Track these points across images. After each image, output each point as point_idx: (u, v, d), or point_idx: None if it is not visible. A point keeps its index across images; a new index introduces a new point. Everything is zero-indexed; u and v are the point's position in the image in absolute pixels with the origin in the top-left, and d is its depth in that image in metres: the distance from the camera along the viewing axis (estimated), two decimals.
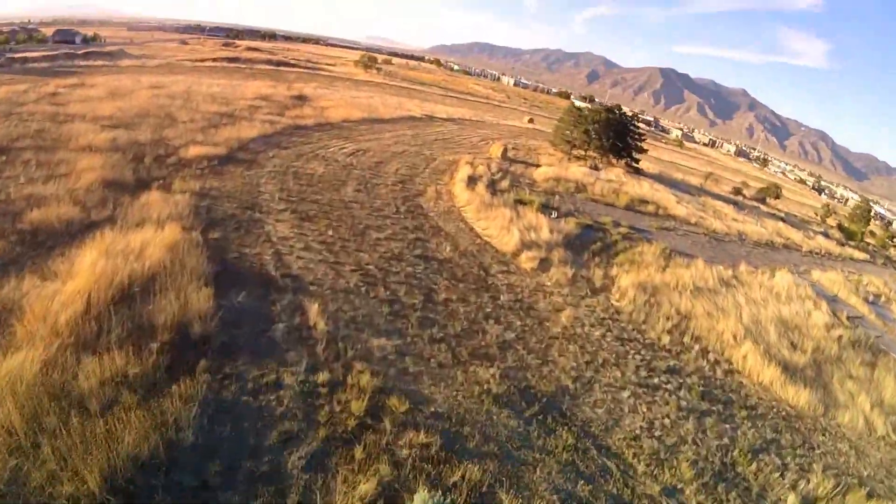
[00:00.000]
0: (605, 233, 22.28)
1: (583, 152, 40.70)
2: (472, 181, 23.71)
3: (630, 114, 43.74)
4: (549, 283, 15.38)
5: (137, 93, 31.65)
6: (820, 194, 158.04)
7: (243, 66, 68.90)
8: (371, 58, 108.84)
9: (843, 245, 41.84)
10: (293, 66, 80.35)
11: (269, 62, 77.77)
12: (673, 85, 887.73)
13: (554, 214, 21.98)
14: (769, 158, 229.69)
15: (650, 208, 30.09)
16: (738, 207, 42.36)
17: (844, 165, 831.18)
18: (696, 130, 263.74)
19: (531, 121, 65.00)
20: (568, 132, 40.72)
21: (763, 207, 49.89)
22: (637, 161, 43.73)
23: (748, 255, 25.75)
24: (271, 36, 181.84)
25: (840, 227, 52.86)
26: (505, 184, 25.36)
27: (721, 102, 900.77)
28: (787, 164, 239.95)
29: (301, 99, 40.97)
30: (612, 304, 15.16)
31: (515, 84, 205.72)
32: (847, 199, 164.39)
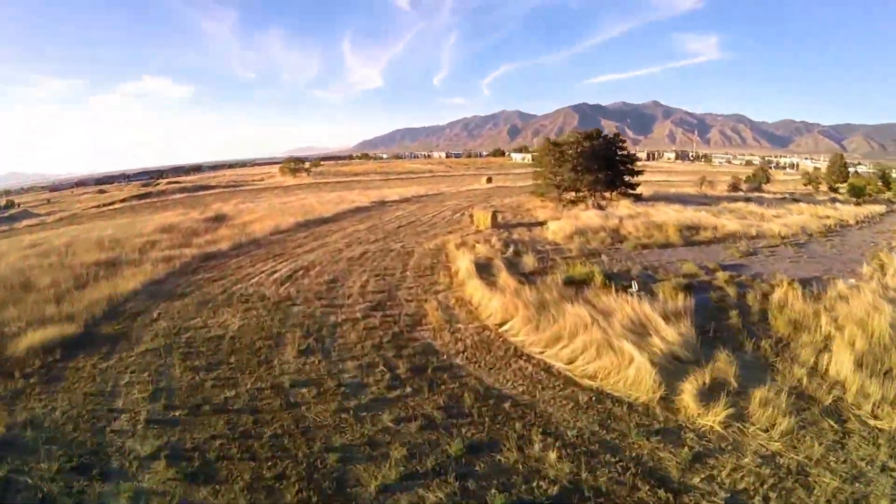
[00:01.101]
0: (715, 289, 13.92)
1: (574, 194, 33.09)
2: (482, 270, 15.02)
3: (611, 135, 36.81)
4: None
5: (6, 256, 22.55)
6: (778, 168, 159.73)
7: (155, 199, 60.85)
8: (296, 161, 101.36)
9: (860, 205, 40.77)
10: (213, 188, 72.56)
11: (184, 190, 69.82)
12: (590, 118, 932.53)
13: (634, 287, 13.34)
14: (709, 154, 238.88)
15: (706, 234, 22.60)
16: (759, 202, 37.65)
17: (768, 137, 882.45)
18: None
19: (489, 180, 58.24)
20: (552, 176, 33.18)
21: (768, 195, 45.96)
22: (635, 187, 36.54)
23: (844, 253, 19.97)
24: (196, 168, 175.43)
25: (852, 186, 53.39)
26: (529, 260, 16.77)
27: (637, 119, 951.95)
28: (726, 155, 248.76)
29: (218, 220, 32.26)
30: None
31: (447, 156, 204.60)
32: (797, 165, 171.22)
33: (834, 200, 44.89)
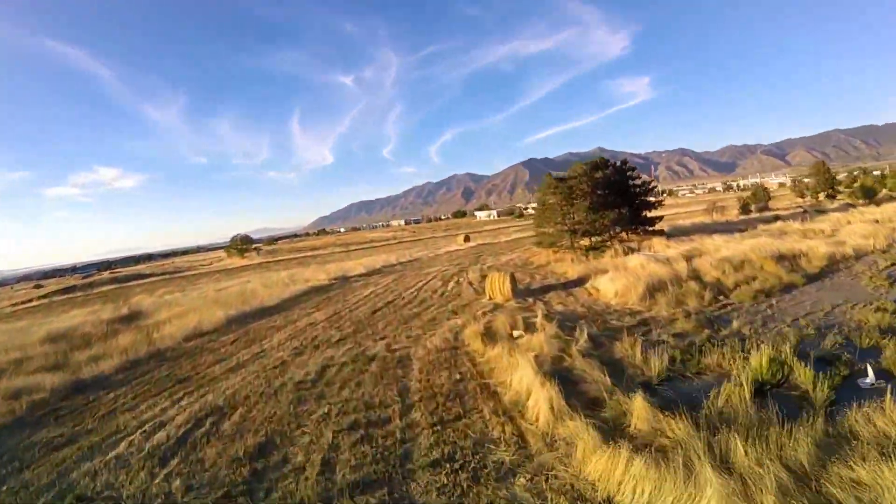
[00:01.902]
0: None
1: (591, 239, 26.07)
2: (572, 392, 7.25)
3: (618, 162, 30.42)
4: None
5: None
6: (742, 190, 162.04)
7: (79, 293, 51.15)
8: (244, 239, 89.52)
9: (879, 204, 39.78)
10: (148, 277, 63.12)
11: (115, 280, 60.17)
12: (539, 171, 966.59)
13: (869, 378, 5.83)
14: (674, 189, 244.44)
15: (811, 264, 17.22)
16: (794, 219, 33.65)
17: (713, 166, 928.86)
18: None
19: (467, 239, 51.19)
20: (562, 219, 26.16)
21: (783, 211, 42.49)
22: (655, 222, 29.98)
23: None
24: (147, 258, 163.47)
25: (862, 188, 50.30)
26: (625, 350, 9.12)
27: None
28: (688, 187, 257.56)
29: (129, 318, 23.68)
30: None
31: (407, 223, 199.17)
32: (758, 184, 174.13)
33: (849, 206, 42.54)
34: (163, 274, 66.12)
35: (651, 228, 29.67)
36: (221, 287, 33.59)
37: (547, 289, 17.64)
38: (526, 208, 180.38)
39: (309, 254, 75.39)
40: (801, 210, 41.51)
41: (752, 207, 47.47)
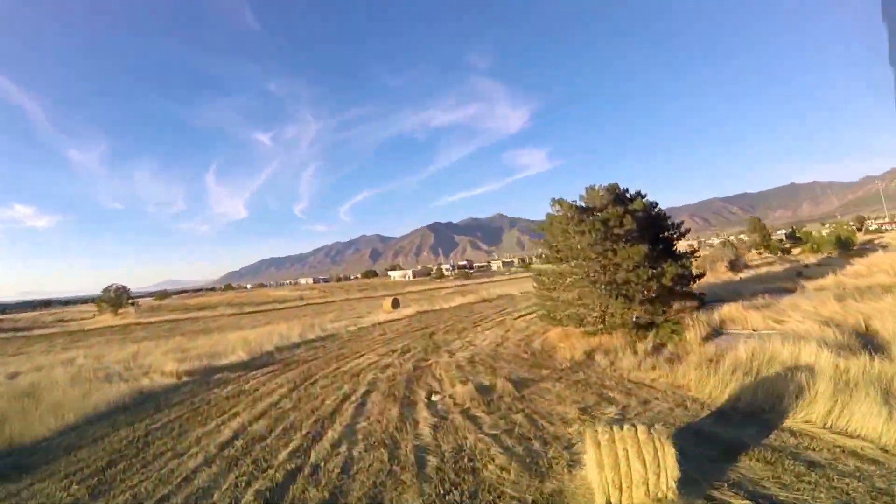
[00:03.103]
0: None
1: (645, 308, 15.60)
2: None
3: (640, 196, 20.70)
4: None
5: None
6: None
7: None
8: (119, 291, 71.59)
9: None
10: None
11: None
12: (444, 235, 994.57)
13: None
14: None
15: None
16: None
17: None
18: (496, 258, 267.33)
19: (395, 304, 39.45)
20: (596, 274, 15.62)
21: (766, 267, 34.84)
22: (691, 282, 20.36)
23: None
24: (45, 304, 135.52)
25: (838, 240, 47.01)
26: None
27: (487, 232, 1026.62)
28: None
29: None
30: None
31: (315, 282, 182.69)
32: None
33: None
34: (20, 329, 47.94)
35: (686, 290, 20.03)
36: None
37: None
38: (511, 261, 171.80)
39: (193, 314, 59.93)
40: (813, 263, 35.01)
41: (738, 263, 40.50)
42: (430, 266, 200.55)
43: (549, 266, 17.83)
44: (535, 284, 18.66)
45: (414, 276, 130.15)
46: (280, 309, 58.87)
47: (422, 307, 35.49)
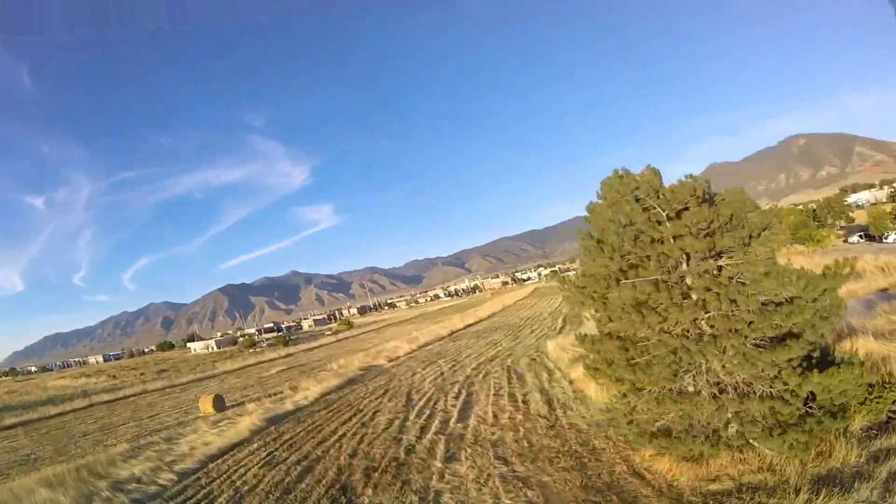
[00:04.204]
0: None
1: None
2: None
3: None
4: None
5: None
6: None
7: None
8: None
9: None
10: None
11: None
12: (240, 297, 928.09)
13: None
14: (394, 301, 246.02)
15: None
16: None
17: (402, 279, 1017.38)
18: (308, 316, 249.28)
19: (219, 403, 26.85)
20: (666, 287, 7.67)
21: None
22: None
23: None
24: None
25: None
26: None
27: (284, 291, 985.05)
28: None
29: None
30: None
31: (106, 360, 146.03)
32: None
33: None
34: None
35: None
36: None
37: None
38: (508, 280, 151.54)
39: None
40: None
41: None
42: (237, 331, 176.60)
43: (603, 260, 9.35)
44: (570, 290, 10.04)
45: (219, 347, 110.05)
46: (52, 417, 39.75)
47: (265, 407, 23.84)
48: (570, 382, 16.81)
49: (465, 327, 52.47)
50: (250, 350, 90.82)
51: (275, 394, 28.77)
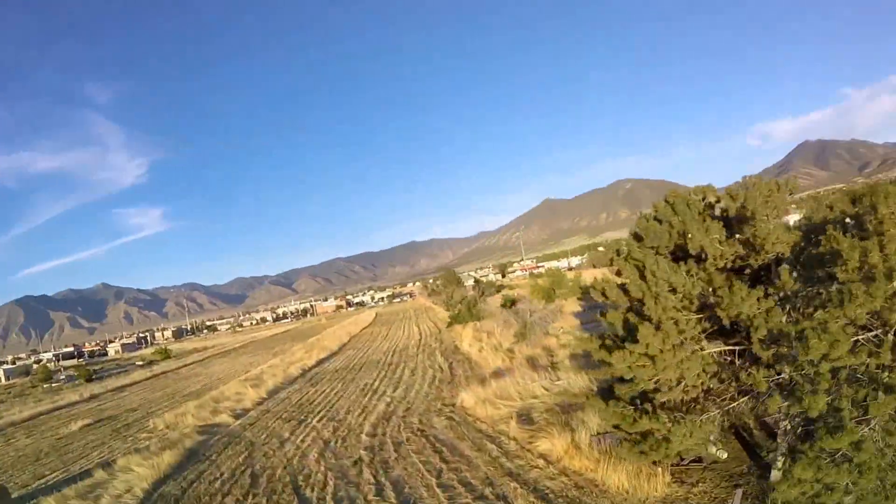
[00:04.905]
0: None
1: None
2: None
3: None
4: None
5: None
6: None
7: None
8: None
9: None
10: None
11: None
12: (37, 311, 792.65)
13: None
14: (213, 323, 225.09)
15: None
16: None
17: (223, 298, 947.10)
18: (116, 339, 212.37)
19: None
20: None
21: None
22: None
23: None
24: None
25: None
26: None
27: (89, 306, 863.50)
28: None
29: None
30: None
31: None
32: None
33: None
34: None
35: None
36: None
37: None
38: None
39: None
40: None
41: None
42: (31, 355, 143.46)
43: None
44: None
45: (7, 379, 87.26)
46: None
47: None
48: (558, 464, 12.18)
49: (317, 364, 45.46)
50: (45, 385, 71.48)
51: (81, 474, 19.76)
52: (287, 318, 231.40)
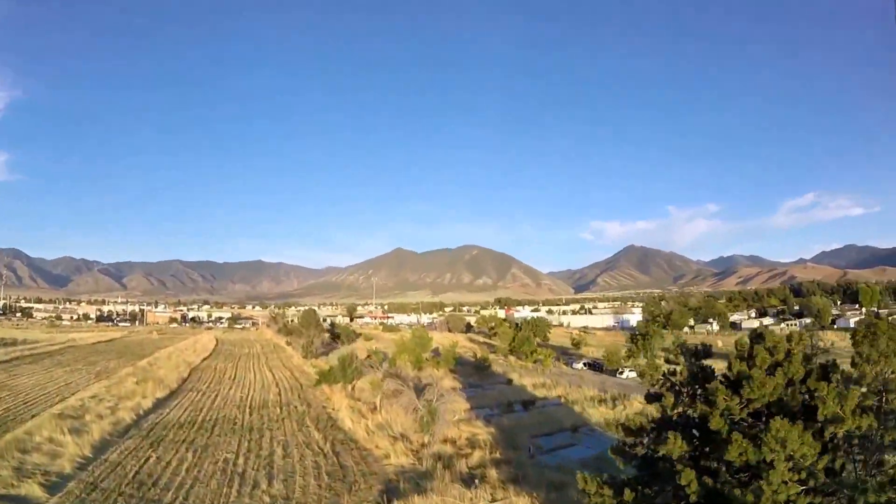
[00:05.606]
0: None
1: None
2: None
3: None
4: None
5: None
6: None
7: None
8: None
9: None
10: None
11: None
12: None
13: None
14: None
15: None
16: None
17: (45, 276, 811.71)
18: None
19: None
20: None
21: None
22: None
23: None
24: None
25: None
26: None
27: None
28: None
29: None
30: None
31: None
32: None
33: None
34: None
35: None
36: None
37: None
38: None
39: None
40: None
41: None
42: None
43: None
44: None
45: None
46: None
47: None
48: None
49: (154, 406, 38.07)
50: None
51: None
52: (113, 319, 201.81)
